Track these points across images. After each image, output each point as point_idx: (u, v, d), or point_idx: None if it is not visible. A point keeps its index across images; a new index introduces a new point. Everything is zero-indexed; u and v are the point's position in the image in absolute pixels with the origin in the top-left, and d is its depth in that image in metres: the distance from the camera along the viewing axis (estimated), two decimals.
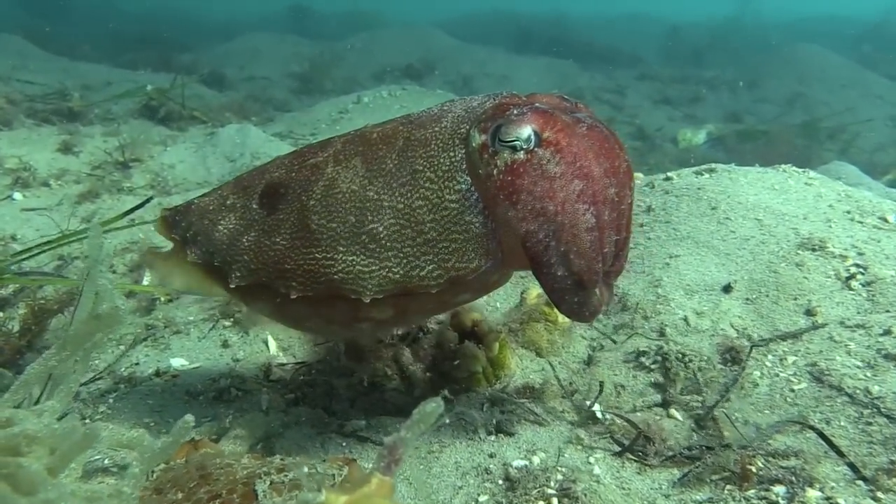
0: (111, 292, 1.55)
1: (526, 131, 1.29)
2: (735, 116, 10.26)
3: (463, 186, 1.35)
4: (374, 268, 1.39)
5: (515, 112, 1.31)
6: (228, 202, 1.63)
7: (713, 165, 2.57)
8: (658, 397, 1.70)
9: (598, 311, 1.35)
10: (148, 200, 2.51)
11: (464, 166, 1.36)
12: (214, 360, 2.38)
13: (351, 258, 1.40)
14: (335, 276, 1.41)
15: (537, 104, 1.35)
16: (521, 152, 1.29)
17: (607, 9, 24.51)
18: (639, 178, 3.77)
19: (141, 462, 1.11)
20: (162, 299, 2.83)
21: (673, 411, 1.66)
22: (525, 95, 1.47)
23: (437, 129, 1.42)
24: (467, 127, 1.38)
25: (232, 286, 1.56)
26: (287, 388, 2.23)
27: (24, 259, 2.70)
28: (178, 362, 2.35)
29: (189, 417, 1.14)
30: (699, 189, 2.41)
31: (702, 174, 2.56)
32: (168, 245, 1.81)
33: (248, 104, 7.00)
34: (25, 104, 5.84)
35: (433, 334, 2.07)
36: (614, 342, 1.97)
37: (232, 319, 2.59)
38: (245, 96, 8.49)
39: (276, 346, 2.46)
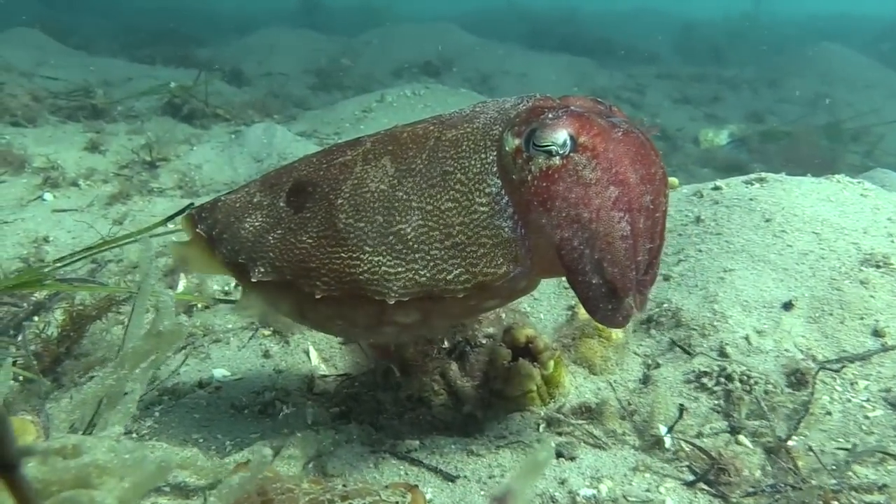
0: (171, 307, 1.52)
1: (562, 136, 1.26)
2: (757, 116, 10.14)
3: (493, 189, 1.32)
4: (400, 269, 1.36)
5: (551, 116, 1.28)
6: (255, 200, 1.61)
7: (763, 174, 2.51)
8: (724, 423, 1.64)
9: (630, 317, 1.32)
10: (189, 206, 2.46)
11: (495, 169, 1.33)
12: (256, 370, 2.34)
13: (377, 259, 1.38)
14: (360, 277, 1.39)
15: (572, 107, 1.32)
16: (557, 157, 1.26)
17: (616, 4, 24.27)
18: (674, 183, 3.71)
19: (219, 499, 1.07)
20: (199, 306, 2.80)
21: (742, 438, 1.61)
22: (559, 98, 1.44)
23: (468, 129, 1.39)
24: (500, 129, 1.35)
25: (254, 280, 1.53)
26: (332, 401, 2.19)
27: (65, 265, 2.68)
28: (220, 373, 2.31)
29: (267, 451, 1.10)
30: (751, 200, 2.35)
31: (752, 184, 2.50)
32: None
33: (269, 102, 6.96)
34: (49, 101, 5.84)
35: (484, 350, 2.03)
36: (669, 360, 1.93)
37: (271, 329, 2.55)
38: (265, 93, 8.47)
39: (317, 356, 2.42)
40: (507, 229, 1.31)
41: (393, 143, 1.46)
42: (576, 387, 1.89)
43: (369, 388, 2.21)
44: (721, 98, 11.08)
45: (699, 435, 1.62)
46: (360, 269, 1.39)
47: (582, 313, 2.05)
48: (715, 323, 1.91)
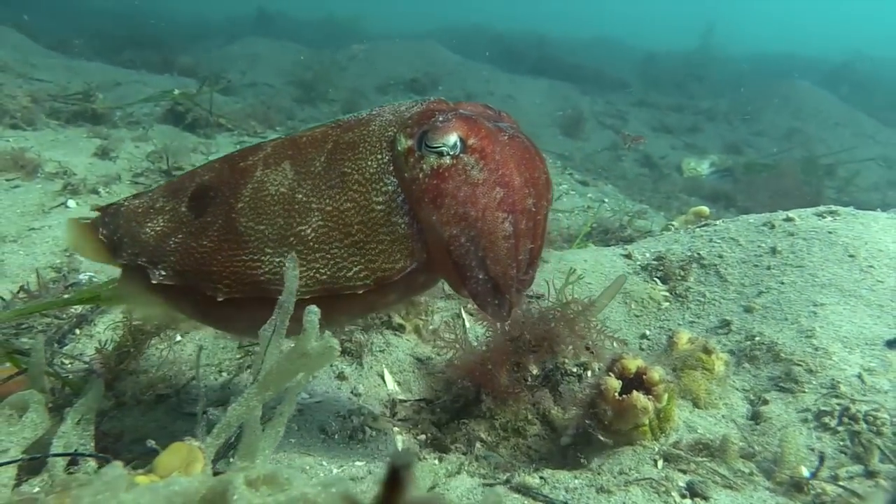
0: (317, 326, 1.47)
1: (452, 138, 1.32)
2: (735, 148, 10.47)
3: (390, 188, 1.37)
4: (301, 269, 1.40)
5: (441, 118, 1.34)
6: (158, 205, 1.62)
7: (833, 207, 2.59)
8: (859, 467, 1.66)
9: (512, 312, 1.40)
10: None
11: (391, 168, 1.39)
12: (333, 393, 2.28)
13: (278, 260, 1.41)
14: (262, 278, 1.42)
15: (462, 111, 1.38)
16: (448, 157, 1.32)
17: (576, 32, 24.84)
18: (703, 212, 3.78)
19: None
20: None
21: (882, 482, 1.63)
22: (453, 103, 1.49)
23: (365, 132, 1.44)
24: (394, 130, 1.40)
25: (154, 282, 1.54)
26: (418, 427, 2.15)
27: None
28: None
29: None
30: (830, 233, 2.42)
31: (824, 216, 2.57)
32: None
33: (271, 113, 6.85)
34: (47, 104, 5.63)
35: (592, 380, 2.02)
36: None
37: (341, 348, 2.49)
38: (257, 104, 8.35)
39: (392, 380, 2.38)
40: (403, 226, 1.36)
41: (293, 148, 1.50)
42: (683, 421, 1.89)
43: (453, 415, 2.18)
44: (699, 129, 11.41)
45: (835, 478, 1.64)
46: (262, 271, 1.42)
47: (681, 343, 2.07)
48: (819, 359, 1.95)
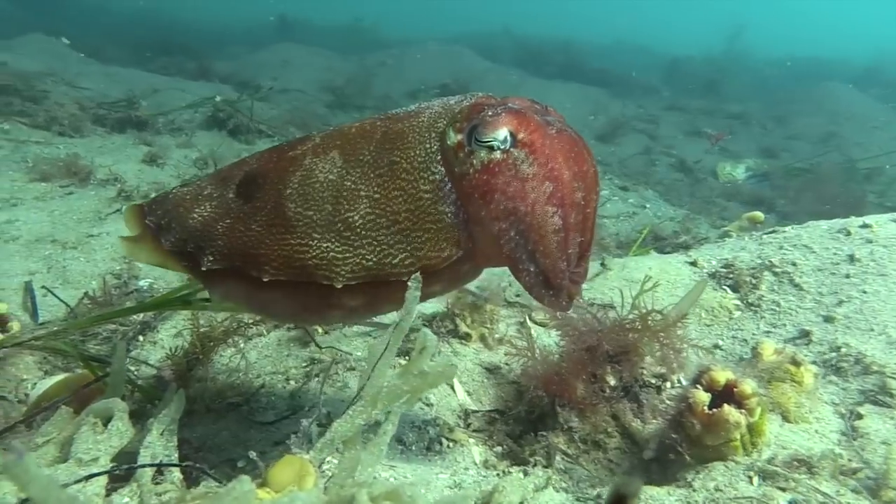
0: (435, 343, 1.45)
1: (502, 132, 1.32)
2: (770, 152, 10.33)
3: (437, 177, 1.38)
4: (348, 255, 1.41)
5: (491, 113, 1.33)
6: (205, 192, 1.64)
7: None
8: None
9: (573, 303, 1.41)
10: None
11: (438, 157, 1.39)
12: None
13: (325, 245, 1.43)
14: (309, 262, 1.44)
15: (511, 105, 1.38)
16: (498, 152, 1.32)
17: (598, 37, 24.69)
18: (758, 217, 3.72)
19: None
20: (319, 331, 2.71)
21: None
22: (500, 97, 1.49)
23: (414, 122, 1.45)
24: (444, 123, 1.41)
25: (203, 269, 1.56)
26: (493, 439, 2.12)
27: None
28: None
29: None
30: None
31: None
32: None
33: (309, 119, 6.88)
34: (93, 111, 5.71)
35: (674, 392, 1.98)
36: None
37: (407, 357, 2.48)
38: (291, 110, 8.39)
39: (462, 389, 2.35)
40: (449, 215, 1.37)
41: (341, 138, 1.51)
42: (774, 435, 1.84)
43: (528, 427, 2.14)
44: (733, 132, 11.26)
45: None
46: (309, 255, 1.44)
47: (766, 354, 2.02)
48: None
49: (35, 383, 2.41)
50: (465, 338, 2.54)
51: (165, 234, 1.65)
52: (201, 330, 2.48)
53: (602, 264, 2.84)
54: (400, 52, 12.86)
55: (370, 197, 1.41)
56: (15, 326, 2.36)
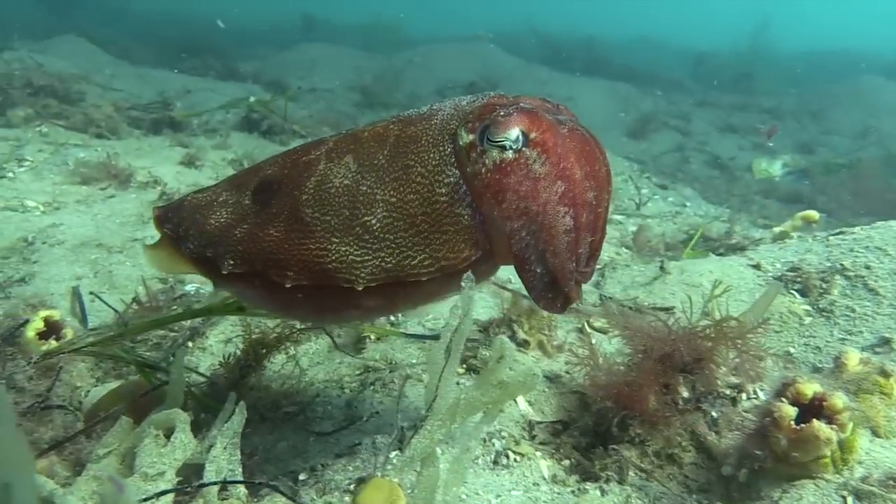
0: (512, 352, 1.38)
1: (514, 132, 1.31)
2: (807, 147, 10.11)
3: (452, 180, 1.38)
4: (367, 258, 1.42)
5: (503, 112, 1.33)
6: (221, 198, 1.65)
7: None
8: None
9: (569, 304, 1.40)
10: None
11: (453, 160, 1.39)
12: None
13: (344, 248, 1.43)
14: (329, 266, 1.44)
15: (523, 104, 1.38)
16: (510, 152, 1.32)
17: (619, 32, 24.31)
18: (812, 216, 3.59)
19: None
20: (371, 338, 2.65)
21: None
22: (512, 97, 1.48)
23: (426, 125, 1.45)
24: (456, 124, 1.41)
25: (224, 272, 1.56)
26: (559, 452, 2.05)
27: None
28: None
29: None
30: None
31: None
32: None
33: (342, 119, 6.84)
34: (128, 112, 5.71)
35: (752, 405, 1.89)
36: None
37: (465, 366, 2.41)
38: (324, 108, 8.37)
39: (523, 399, 2.27)
40: (466, 217, 1.37)
41: (355, 143, 1.51)
42: (865, 452, 1.75)
43: (596, 440, 2.06)
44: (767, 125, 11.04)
45: None
46: (329, 259, 1.44)
47: (851, 365, 1.92)
48: None
49: (88, 391, 2.38)
50: (524, 345, 2.47)
51: (184, 241, 1.66)
52: (253, 336, 2.43)
53: (661, 268, 2.74)
54: (427, 50, 12.79)
55: (386, 201, 1.41)
56: (69, 333, 2.32)
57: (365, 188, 1.44)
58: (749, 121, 11.29)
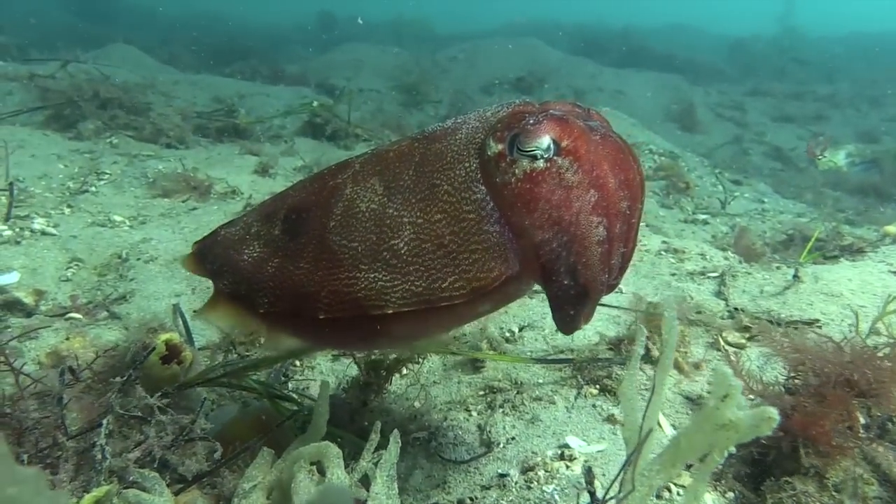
0: (738, 388, 1.24)
1: (545, 140, 1.27)
2: (869, 136, 9.75)
3: (479, 196, 1.33)
4: (396, 282, 1.38)
5: (532, 120, 1.28)
6: (253, 230, 1.63)
7: None
8: None
9: (578, 327, 1.36)
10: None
11: (479, 176, 1.35)
12: (610, 439, 2.06)
13: (373, 275, 1.40)
14: (359, 294, 1.41)
15: (552, 111, 1.33)
16: (542, 161, 1.27)
17: (648, 20, 23.78)
18: (891, 231, 3.37)
19: None
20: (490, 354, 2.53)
21: None
22: (539, 104, 1.43)
23: (451, 141, 1.41)
24: (482, 136, 1.36)
25: (261, 311, 1.56)
26: (721, 482, 1.91)
27: None
28: (575, 442, 2.04)
29: None
30: None
31: None
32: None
33: (405, 121, 6.75)
34: (193, 120, 5.68)
35: None
36: None
37: (598, 386, 2.28)
38: (376, 109, 8.29)
39: (668, 423, 2.14)
40: (495, 234, 1.32)
41: (380, 164, 1.48)
42: None
43: (761, 470, 1.92)
44: (825, 117, 10.71)
45: None
46: (359, 287, 1.41)
47: None
48: None
49: (208, 413, 2.31)
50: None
51: (220, 279, 1.65)
52: (371, 357, 2.34)
53: (795, 276, 2.58)
54: (471, 46, 12.64)
55: (413, 223, 1.38)
56: (188, 356, 2.25)
57: (392, 211, 1.40)
58: (805, 109, 10.94)
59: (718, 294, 2.76)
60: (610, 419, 2.14)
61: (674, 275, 2.99)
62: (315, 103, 5.79)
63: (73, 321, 2.77)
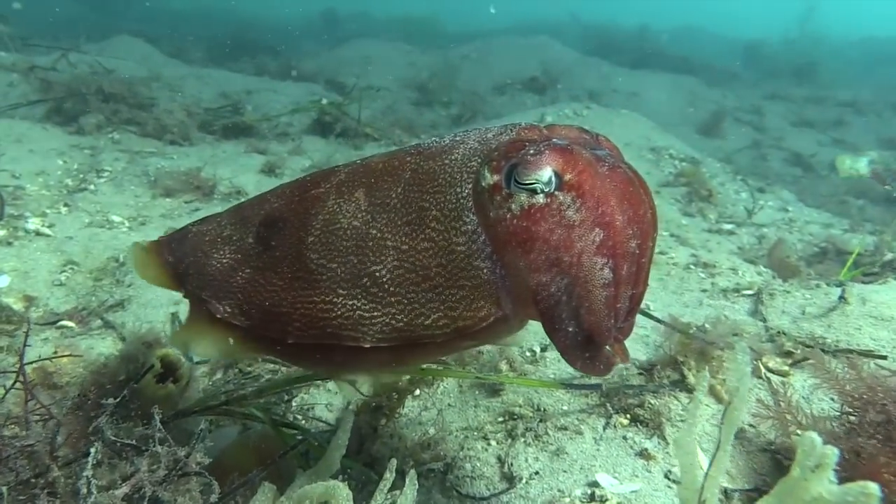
0: (832, 460, 1.06)
1: (546, 173, 1.15)
2: (893, 143, 9.50)
3: (470, 227, 1.23)
4: (376, 314, 1.28)
5: (532, 150, 1.17)
6: (225, 233, 1.50)
7: None
8: None
9: (613, 366, 1.21)
10: None
11: (470, 204, 1.23)
12: (644, 476, 1.88)
13: (351, 302, 1.29)
14: (334, 322, 1.30)
15: (555, 140, 1.21)
16: (541, 195, 1.16)
17: (661, 23, 23.55)
18: None
19: None
20: (510, 376, 2.35)
21: None
22: (545, 128, 1.31)
23: (446, 161, 1.29)
24: (478, 161, 1.25)
25: (219, 316, 1.42)
26: None
27: None
28: (605, 480, 1.85)
29: None
30: None
31: None
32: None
33: (414, 122, 6.56)
34: (198, 117, 5.51)
35: None
36: None
37: (629, 416, 2.09)
38: (386, 108, 8.12)
39: (707, 459, 1.95)
40: (486, 270, 1.22)
41: (368, 175, 1.36)
42: None
43: None
44: (845, 122, 10.45)
45: None
46: (334, 314, 1.30)
47: None
48: None
49: (201, 431, 2.14)
50: (695, 391, 2.14)
51: (183, 281, 1.51)
52: (383, 380, 2.16)
53: (842, 297, 2.38)
54: (483, 44, 12.44)
55: (398, 248, 1.27)
56: (185, 374, 2.08)
57: (375, 232, 1.29)
58: (825, 115, 10.70)
59: (755, 313, 2.57)
60: (643, 454, 1.95)
61: (705, 291, 2.80)
62: (324, 101, 5.61)
63: (64, 330, 2.60)
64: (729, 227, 4.31)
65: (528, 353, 2.49)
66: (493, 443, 2.09)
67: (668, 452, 1.96)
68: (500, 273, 1.22)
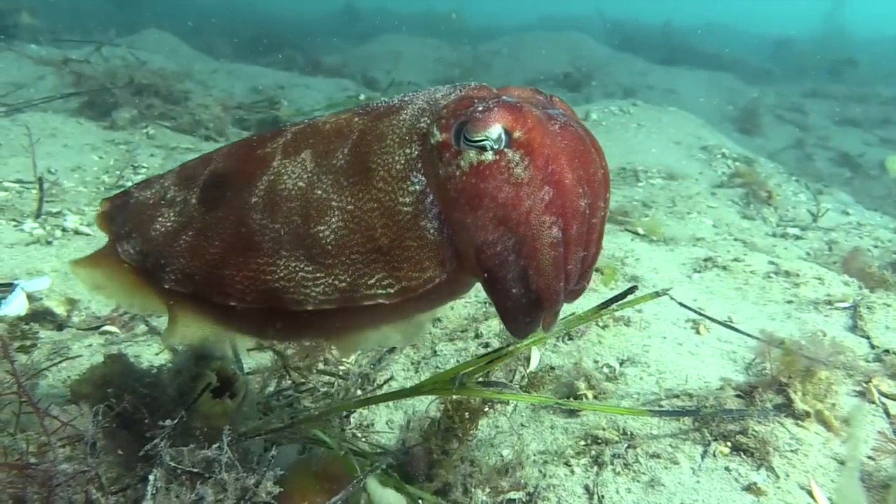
0: None
1: (496, 130, 1.12)
2: None
3: (418, 188, 1.20)
4: (318, 275, 1.26)
5: (481, 108, 1.14)
6: (168, 195, 1.46)
7: None
8: None
9: (532, 332, 1.21)
10: (632, 290, 1.79)
11: (419, 165, 1.20)
12: None
13: (294, 264, 1.27)
14: (276, 285, 1.28)
15: (505, 97, 1.19)
16: (490, 153, 1.12)
17: (686, 19, 23.09)
18: None
19: None
20: (589, 395, 2.16)
21: None
22: (497, 89, 1.28)
23: (394, 121, 1.25)
24: (427, 121, 1.21)
25: (165, 286, 1.38)
26: None
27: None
28: None
29: None
30: None
31: None
32: None
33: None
34: (233, 112, 5.37)
35: None
36: None
37: (729, 443, 1.89)
38: None
39: (825, 496, 1.74)
40: (432, 231, 1.19)
41: (315, 136, 1.32)
42: None
43: None
44: (892, 121, 10.08)
45: None
46: (276, 276, 1.28)
47: None
48: None
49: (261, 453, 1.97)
50: (802, 417, 1.93)
51: (124, 244, 1.46)
52: (452, 398, 1.97)
53: None
54: (514, 39, 12.22)
55: (342, 209, 1.24)
56: (241, 388, 1.91)
57: (320, 192, 1.26)
58: (870, 113, 10.34)
59: (854, 329, 2.35)
60: (752, 489, 1.75)
61: (790, 302, 2.59)
62: (362, 96, 5.43)
63: (108, 336, 2.45)
64: (794, 231, 4.07)
65: (605, 370, 2.29)
66: (578, 469, 1.90)
67: (779, 487, 1.75)
68: (447, 234, 1.19)
